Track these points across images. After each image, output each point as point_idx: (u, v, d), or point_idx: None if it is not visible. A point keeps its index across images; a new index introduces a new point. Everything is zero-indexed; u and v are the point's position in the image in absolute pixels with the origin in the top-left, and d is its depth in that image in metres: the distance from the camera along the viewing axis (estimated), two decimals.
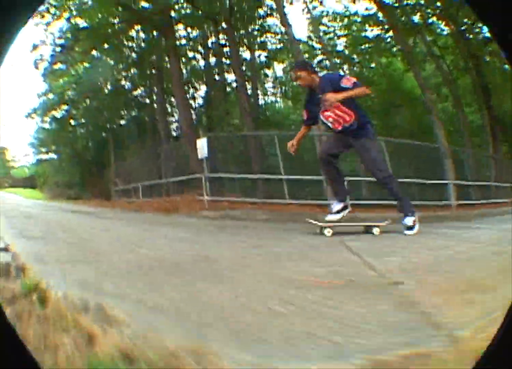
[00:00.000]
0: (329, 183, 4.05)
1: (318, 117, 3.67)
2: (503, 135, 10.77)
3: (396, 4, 10.50)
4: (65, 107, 11.56)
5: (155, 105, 11.44)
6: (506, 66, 12.14)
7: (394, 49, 11.19)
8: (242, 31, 10.47)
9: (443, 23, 11.08)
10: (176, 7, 8.87)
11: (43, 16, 8.75)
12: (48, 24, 9.14)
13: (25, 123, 15.47)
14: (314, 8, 11.63)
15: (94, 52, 10.40)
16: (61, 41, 10.03)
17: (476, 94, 10.66)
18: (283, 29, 9.60)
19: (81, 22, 9.16)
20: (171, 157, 8.83)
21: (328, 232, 3.45)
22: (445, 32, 11.50)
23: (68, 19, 9.32)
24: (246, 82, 9.51)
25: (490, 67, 10.82)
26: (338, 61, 11.55)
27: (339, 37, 11.96)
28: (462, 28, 10.87)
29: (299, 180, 6.78)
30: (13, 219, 4.87)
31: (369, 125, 3.63)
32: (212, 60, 11.24)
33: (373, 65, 12.24)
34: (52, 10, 8.75)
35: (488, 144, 10.38)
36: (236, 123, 10.26)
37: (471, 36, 11.20)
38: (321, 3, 11.59)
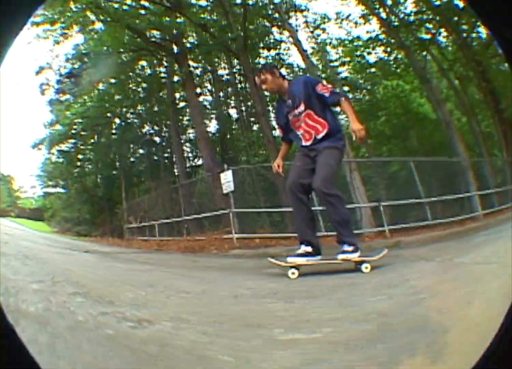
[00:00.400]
0: (296, 222, 3.25)
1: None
2: None
3: (397, 23, 10.65)
4: (72, 140, 11.29)
5: (165, 141, 11.28)
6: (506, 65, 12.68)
7: (398, 70, 11.39)
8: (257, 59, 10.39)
9: (446, 32, 11.28)
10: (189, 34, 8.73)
11: (47, 37, 8.48)
12: (55, 43, 8.83)
13: (32, 153, 14.18)
14: (318, 36, 11.69)
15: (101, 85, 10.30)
16: (68, 67, 9.88)
17: (485, 101, 10.69)
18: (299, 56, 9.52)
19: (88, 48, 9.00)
20: (190, 193, 8.56)
21: (292, 273, 2.83)
22: (449, 43, 11.74)
23: (76, 45, 9.20)
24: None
25: (494, 70, 10.87)
26: (346, 88, 11.56)
27: (344, 64, 12.02)
28: (464, 35, 11.08)
29: None
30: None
31: (341, 134, 3.24)
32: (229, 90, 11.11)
33: (380, 89, 12.34)
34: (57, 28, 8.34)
35: (502, 149, 10.28)
36: (261, 154, 10.02)
37: (472, 42, 11.46)
38: (324, 30, 11.67)
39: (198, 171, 10.34)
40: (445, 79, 11.11)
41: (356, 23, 11.38)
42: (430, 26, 11.05)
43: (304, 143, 3.23)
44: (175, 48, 8.21)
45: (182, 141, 10.71)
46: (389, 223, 6.27)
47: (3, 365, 0.70)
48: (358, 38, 11.56)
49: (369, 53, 11.53)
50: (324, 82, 3.42)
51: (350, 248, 2.92)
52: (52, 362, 1.09)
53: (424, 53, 10.77)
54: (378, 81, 12.06)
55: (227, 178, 6.51)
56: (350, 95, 11.74)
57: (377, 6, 10.63)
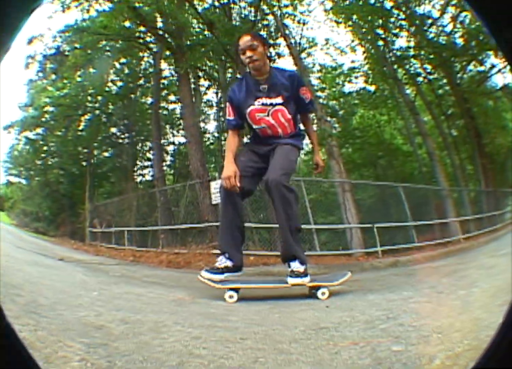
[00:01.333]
0: (221, 228, 2.71)
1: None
2: (492, 170, 11.65)
3: (391, 56, 11.19)
4: (41, 129, 10.51)
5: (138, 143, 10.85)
6: (490, 102, 13.46)
7: (375, 100, 11.78)
8: None
9: (435, 69, 11.89)
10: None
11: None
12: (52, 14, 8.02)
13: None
14: (304, 59, 11.82)
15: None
16: (58, 42, 9.12)
17: (468, 136, 11.39)
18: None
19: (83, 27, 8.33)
20: (169, 201, 7.97)
21: (230, 296, 2.32)
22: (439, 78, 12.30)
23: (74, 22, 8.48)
24: None
25: (482, 107, 11.85)
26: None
27: (323, 90, 12.32)
28: (456, 72, 11.83)
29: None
30: None
31: (301, 138, 2.87)
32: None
33: (357, 118, 12.81)
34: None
35: (480, 181, 11.08)
36: None
37: (462, 78, 12.26)
38: (309, 54, 11.88)
39: (178, 180, 9.87)
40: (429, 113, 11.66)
41: (342, 51, 11.80)
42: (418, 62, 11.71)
43: (264, 136, 2.73)
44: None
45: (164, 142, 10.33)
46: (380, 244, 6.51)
47: (3, 365, 0.69)
48: (341, 66, 12.12)
49: (349, 81, 12.01)
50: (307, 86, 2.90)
51: (302, 268, 2.42)
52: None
53: (409, 88, 11.45)
54: (354, 110, 12.44)
55: (218, 188, 6.00)
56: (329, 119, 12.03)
57: (369, 37, 11.01)
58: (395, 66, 11.07)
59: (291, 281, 2.38)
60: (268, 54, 2.70)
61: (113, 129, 11.10)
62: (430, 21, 11.71)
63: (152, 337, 1.48)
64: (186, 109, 7.72)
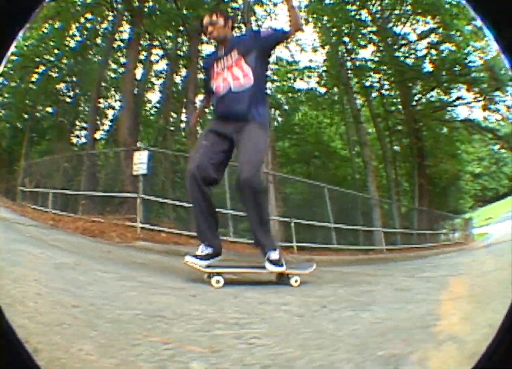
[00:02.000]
0: (195, 218, 2.68)
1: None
2: (431, 191, 12.39)
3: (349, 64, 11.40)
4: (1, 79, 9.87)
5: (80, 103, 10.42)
6: (445, 129, 14.04)
7: (322, 102, 12.03)
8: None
9: (392, 86, 12.23)
10: None
11: None
12: None
13: None
14: None
15: None
16: None
17: (411, 155, 11.79)
18: None
19: None
20: (95, 166, 7.66)
21: (217, 281, 2.37)
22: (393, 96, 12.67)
23: None
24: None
25: (434, 132, 12.54)
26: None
27: (274, 81, 12.34)
28: (414, 94, 12.31)
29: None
30: None
31: (265, 105, 2.72)
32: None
33: (299, 115, 12.93)
34: None
35: (414, 199, 11.51)
36: (183, 142, 9.43)
37: (419, 101, 12.74)
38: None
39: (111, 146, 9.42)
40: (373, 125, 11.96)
41: (303, 49, 11.85)
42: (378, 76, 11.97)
43: (220, 94, 2.65)
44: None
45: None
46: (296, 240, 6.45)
47: (3, 365, 0.69)
48: (297, 63, 12.10)
49: (302, 78, 12.06)
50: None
51: (277, 257, 2.55)
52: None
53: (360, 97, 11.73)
54: (299, 107, 12.60)
55: (141, 159, 5.83)
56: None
57: (333, 41, 11.14)
58: (351, 75, 11.30)
59: (270, 268, 2.52)
60: (230, 25, 2.78)
61: (61, 85, 10.60)
62: (404, 41, 11.95)
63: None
64: (127, 74, 7.45)
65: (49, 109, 10.88)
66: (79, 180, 7.74)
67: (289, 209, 8.96)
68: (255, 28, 8.33)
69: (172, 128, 9.44)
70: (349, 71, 11.23)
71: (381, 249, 8.38)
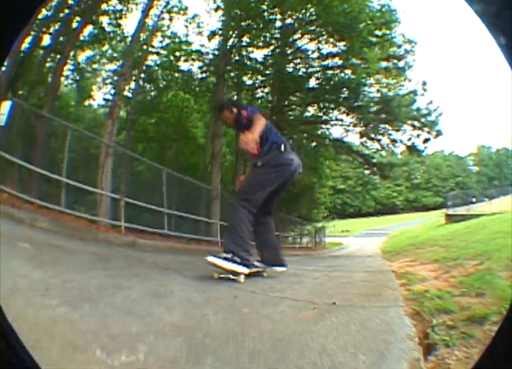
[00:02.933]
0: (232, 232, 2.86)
1: None
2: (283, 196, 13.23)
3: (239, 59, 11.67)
4: None
5: None
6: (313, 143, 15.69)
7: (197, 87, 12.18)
8: None
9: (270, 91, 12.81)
10: None
11: None
12: None
13: None
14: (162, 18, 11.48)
15: None
16: None
17: None
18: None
19: None
20: None
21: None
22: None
23: None
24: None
25: (293, 140, 13.44)
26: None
27: (159, 54, 12.28)
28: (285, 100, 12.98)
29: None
30: None
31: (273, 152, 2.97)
32: None
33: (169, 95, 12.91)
34: None
35: None
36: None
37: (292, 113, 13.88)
38: (171, 18, 11.89)
39: None
40: None
41: (200, 32, 11.98)
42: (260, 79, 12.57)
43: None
44: None
45: None
46: (125, 220, 6.09)
47: (3, 365, 0.69)
48: (190, 43, 12.11)
49: (186, 61, 12.11)
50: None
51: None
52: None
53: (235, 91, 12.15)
54: (171, 85, 12.46)
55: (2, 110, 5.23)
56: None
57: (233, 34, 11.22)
58: (234, 69, 11.46)
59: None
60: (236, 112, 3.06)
61: None
62: (301, 55, 12.73)
63: None
64: None
65: None
66: None
67: (133, 187, 8.89)
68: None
69: None
70: (231, 67, 11.42)
71: (216, 241, 8.35)
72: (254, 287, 2.45)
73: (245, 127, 2.83)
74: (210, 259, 2.60)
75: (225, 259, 2.61)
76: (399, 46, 13.65)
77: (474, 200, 21.19)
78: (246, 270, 2.64)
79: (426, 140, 14.79)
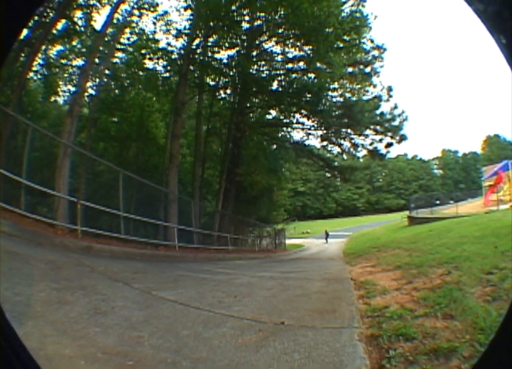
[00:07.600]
0: None
1: None
2: (237, 197, 13.27)
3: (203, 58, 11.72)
4: None
5: None
6: (274, 146, 15.50)
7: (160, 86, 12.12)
8: None
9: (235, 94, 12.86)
10: None
11: None
12: None
13: None
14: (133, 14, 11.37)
15: None
16: None
17: (223, 160, 12.58)
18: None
19: None
20: None
21: None
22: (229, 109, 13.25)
23: None
24: None
25: (258, 144, 13.41)
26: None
27: (124, 51, 12.26)
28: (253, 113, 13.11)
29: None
30: None
31: None
32: None
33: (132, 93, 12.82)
34: None
35: (219, 201, 12.15)
36: None
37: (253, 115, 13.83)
38: (141, 15, 11.73)
39: None
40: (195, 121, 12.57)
41: (168, 30, 11.93)
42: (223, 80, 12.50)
43: None
44: None
45: None
46: (83, 223, 6.00)
47: (3, 365, 0.69)
48: (157, 41, 12.12)
49: (151, 59, 12.12)
50: None
51: None
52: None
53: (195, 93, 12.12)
54: (134, 84, 12.46)
55: None
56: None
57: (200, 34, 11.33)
58: (196, 69, 11.57)
59: None
60: None
61: None
62: (267, 57, 12.81)
63: None
64: None
65: None
66: None
67: (93, 188, 8.81)
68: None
69: None
70: (194, 67, 11.46)
71: (174, 245, 8.28)
72: (200, 301, 2.41)
73: None
74: None
75: None
76: (367, 52, 14.02)
77: (438, 202, 21.30)
78: None
79: (389, 145, 15.26)
